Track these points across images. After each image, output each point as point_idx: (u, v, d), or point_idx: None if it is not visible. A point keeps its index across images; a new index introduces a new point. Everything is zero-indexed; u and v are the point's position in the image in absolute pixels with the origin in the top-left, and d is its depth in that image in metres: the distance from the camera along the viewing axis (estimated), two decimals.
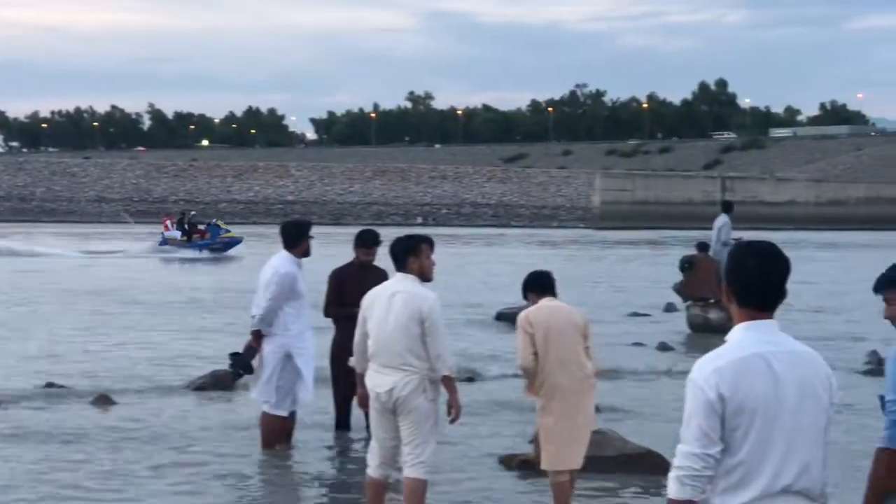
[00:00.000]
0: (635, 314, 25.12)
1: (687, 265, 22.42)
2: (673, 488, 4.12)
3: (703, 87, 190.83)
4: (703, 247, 22.93)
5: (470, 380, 15.70)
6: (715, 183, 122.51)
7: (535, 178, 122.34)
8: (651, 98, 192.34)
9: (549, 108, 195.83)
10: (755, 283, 4.21)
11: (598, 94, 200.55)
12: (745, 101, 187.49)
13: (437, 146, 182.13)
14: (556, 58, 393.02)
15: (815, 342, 19.77)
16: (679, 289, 23.29)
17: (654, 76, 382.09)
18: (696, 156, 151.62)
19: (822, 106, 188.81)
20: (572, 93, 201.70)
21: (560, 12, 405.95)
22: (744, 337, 4.19)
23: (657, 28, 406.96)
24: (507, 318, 21.54)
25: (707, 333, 20.97)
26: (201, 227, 51.05)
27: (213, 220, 53.93)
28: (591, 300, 24.72)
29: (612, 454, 10.40)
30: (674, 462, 4.14)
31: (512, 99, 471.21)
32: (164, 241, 49.98)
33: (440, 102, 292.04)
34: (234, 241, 49.44)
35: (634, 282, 35.18)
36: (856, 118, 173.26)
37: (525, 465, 10.28)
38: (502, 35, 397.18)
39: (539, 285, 8.82)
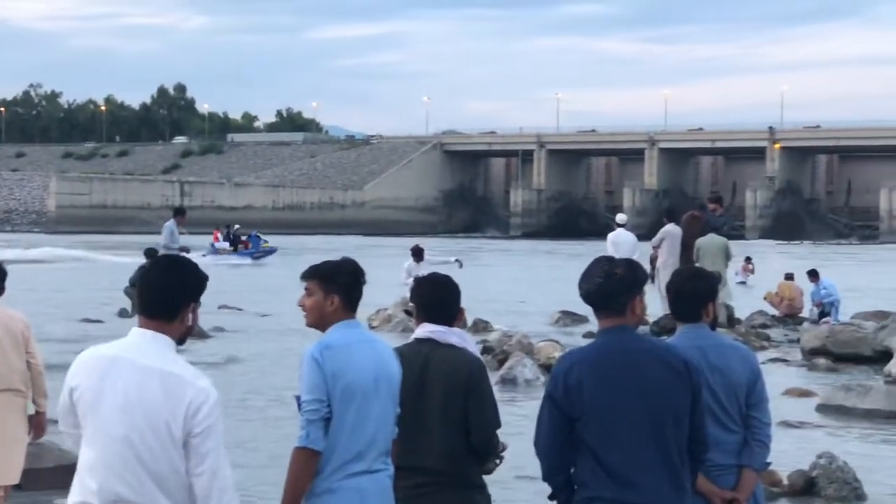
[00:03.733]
0: (87, 320, 24.58)
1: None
2: None
3: (162, 91, 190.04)
4: (150, 253, 22.81)
5: None
6: (174, 187, 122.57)
7: None
8: (109, 101, 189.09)
9: (1, 109, 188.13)
10: (146, 293, 4.37)
11: (54, 95, 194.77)
12: (203, 107, 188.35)
13: None
14: (7, 56, 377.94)
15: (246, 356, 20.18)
16: (133, 294, 23.06)
17: (113, 78, 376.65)
18: (155, 160, 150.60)
19: (279, 113, 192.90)
20: (26, 93, 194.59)
21: (10, 9, 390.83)
22: (129, 342, 4.33)
23: (115, 29, 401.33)
24: None
25: None
26: (244, 238, 59.41)
27: (253, 232, 61.82)
28: (34, 307, 23.90)
29: (49, 465, 10.10)
30: None
31: None
32: (215, 251, 56.44)
33: None
34: (271, 250, 57.61)
35: (89, 287, 34.42)
36: (310, 125, 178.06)
37: None
38: None
39: None
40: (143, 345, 4.29)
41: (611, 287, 4.89)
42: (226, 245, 58.76)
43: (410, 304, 5.92)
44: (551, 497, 5.00)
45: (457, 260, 26.28)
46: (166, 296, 4.33)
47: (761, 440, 5.55)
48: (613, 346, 4.87)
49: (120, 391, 4.22)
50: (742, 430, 5.53)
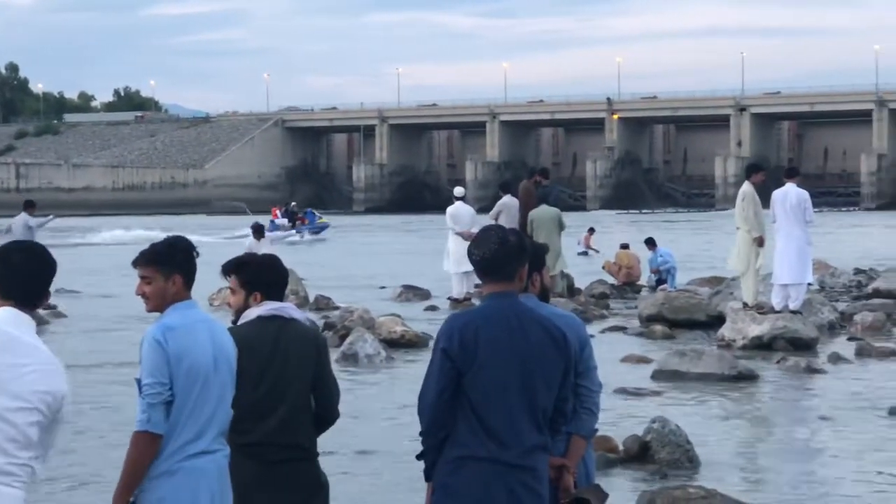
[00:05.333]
0: None
1: None
2: None
3: None
4: None
5: None
6: (9, 169, 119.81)
7: None
8: None
9: None
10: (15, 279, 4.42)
11: None
12: (38, 87, 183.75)
13: None
14: None
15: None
16: None
17: None
18: None
19: (117, 92, 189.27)
20: None
21: None
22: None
23: None
24: None
25: None
26: (300, 215, 63.15)
27: (308, 209, 66.38)
28: None
29: None
30: None
31: None
32: (275, 227, 57.79)
33: None
34: (325, 226, 61.36)
35: None
36: (149, 104, 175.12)
37: None
38: None
39: None
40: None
41: (505, 254, 5.02)
42: (284, 221, 62.33)
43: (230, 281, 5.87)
44: (420, 456, 5.05)
45: (298, 231, 26.28)
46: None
47: (589, 407, 5.64)
48: (504, 308, 4.99)
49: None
50: (571, 399, 5.61)
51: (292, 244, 52.39)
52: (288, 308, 5.76)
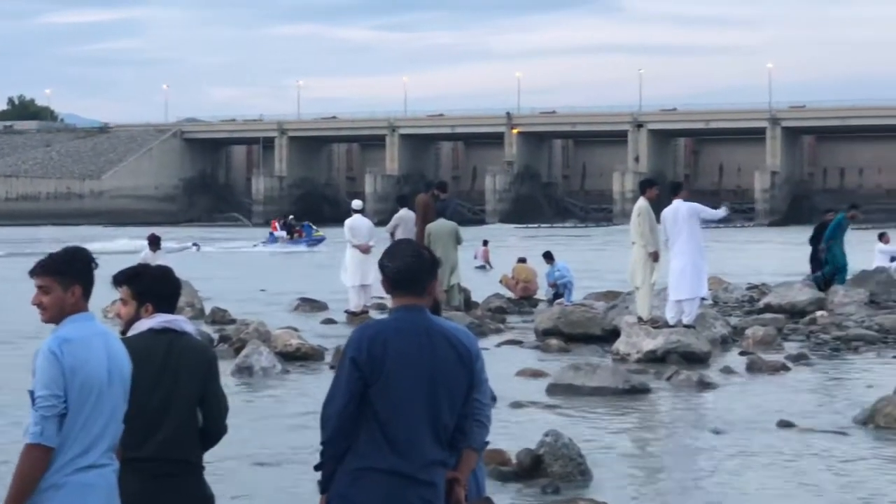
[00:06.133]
0: None
1: None
2: None
3: None
4: None
5: None
6: None
7: None
8: None
9: None
10: None
11: None
12: None
13: None
14: None
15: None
16: None
17: None
18: None
19: (11, 100, 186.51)
20: None
21: None
22: None
23: None
24: None
25: None
26: (297, 228, 66.63)
27: (306, 223, 69.35)
28: None
29: None
30: None
31: None
32: (274, 239, 64.65)
33: None
34: (321, 239, 63.40)
35: None
36: (45, 113, 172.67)
37: None
38: None
39: None
40: None
41: (420, 267, 5.07)
42: (283, 234, 65.90)
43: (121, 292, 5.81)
44: (318, 467, 5.04)
45: (194, 244, 26.28)
46: None
47: (480, 420, 5.66)
48: (415, 322, 5.02)
49: None
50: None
51: (291, 254, 54.95)
52: (180, 321, 5.73)
